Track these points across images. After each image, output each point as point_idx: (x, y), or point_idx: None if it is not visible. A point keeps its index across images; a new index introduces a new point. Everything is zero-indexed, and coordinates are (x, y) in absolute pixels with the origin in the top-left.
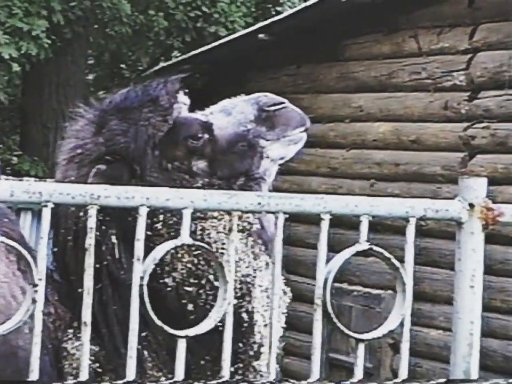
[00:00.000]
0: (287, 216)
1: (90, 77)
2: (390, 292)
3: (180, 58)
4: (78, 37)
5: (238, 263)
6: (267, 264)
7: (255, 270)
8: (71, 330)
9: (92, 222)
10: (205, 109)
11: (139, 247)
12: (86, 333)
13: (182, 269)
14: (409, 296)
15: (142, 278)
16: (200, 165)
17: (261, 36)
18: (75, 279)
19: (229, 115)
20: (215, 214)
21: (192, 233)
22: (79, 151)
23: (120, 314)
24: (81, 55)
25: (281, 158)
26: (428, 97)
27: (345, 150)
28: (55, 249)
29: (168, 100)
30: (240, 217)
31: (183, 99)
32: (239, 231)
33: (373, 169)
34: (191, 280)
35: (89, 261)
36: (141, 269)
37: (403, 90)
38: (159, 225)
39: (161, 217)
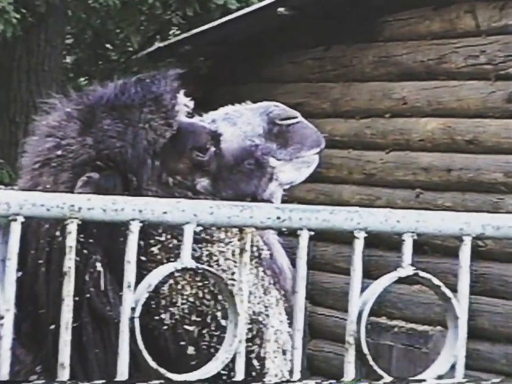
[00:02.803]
0: (312, 233)
1: (69, 59)
2: (439, 328)
3: (179, 37)
4: (54, 10)
5: (248, 297)
6: (277, 300)
7: (266, 307)
8: (34, 377)
9: (71, 240)
10: (202, 115)
11: (130, 270)
12: (64, 376)
13: (182, 304)
14: (463, 333)
15: (133, 310)
16: (203, 182)
17: (280, 10)
18: (45, 312)
19: (234, 125)
20: (222, 236)
21: (197, 260)
22: (58, 152)
23: (101, 359)
24: (57, 33)
25: (290, 183)
26: (487, 86)
27: (384, 152)
28: (20, 274)
29: (171, 99)
30: None
31: (184, 100)
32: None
33: (419, 176)
34: (193, 318)
35: (69, 288)
36: (133, 298)
37: (457, 78)
38: (155, 249)
39: (158, 238)
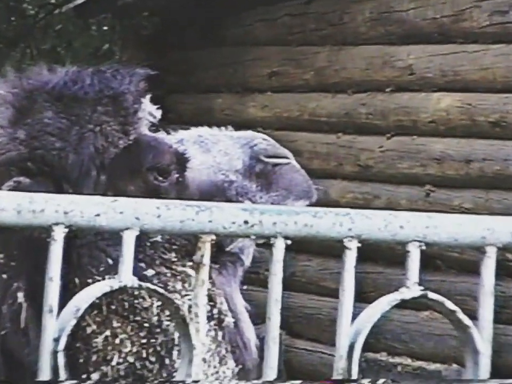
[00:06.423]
0: (289, 242)
1: None
2: (455, 366)
3: None
4: None
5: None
6: (233, 374)
7: (221, 382)
8: None
9: None
10: (170, 132)
11: (52, 290)
12: None
13: (118, 364)
14: (486, 373)
15: (56, 341)
16: None
17: None
18: None
19: (207, 152)
20: (179, 286)
21: (147, 309)
22: None
23: None
24: None
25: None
26: None
27: (385, 138)
28: None
29: (134, 102)
30: (210, 299)
31: (150, 108)
32: (208, 318)
33: (430, 169)
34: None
35: None
36: (56, 325)
37: (479, 41)
38: None
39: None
